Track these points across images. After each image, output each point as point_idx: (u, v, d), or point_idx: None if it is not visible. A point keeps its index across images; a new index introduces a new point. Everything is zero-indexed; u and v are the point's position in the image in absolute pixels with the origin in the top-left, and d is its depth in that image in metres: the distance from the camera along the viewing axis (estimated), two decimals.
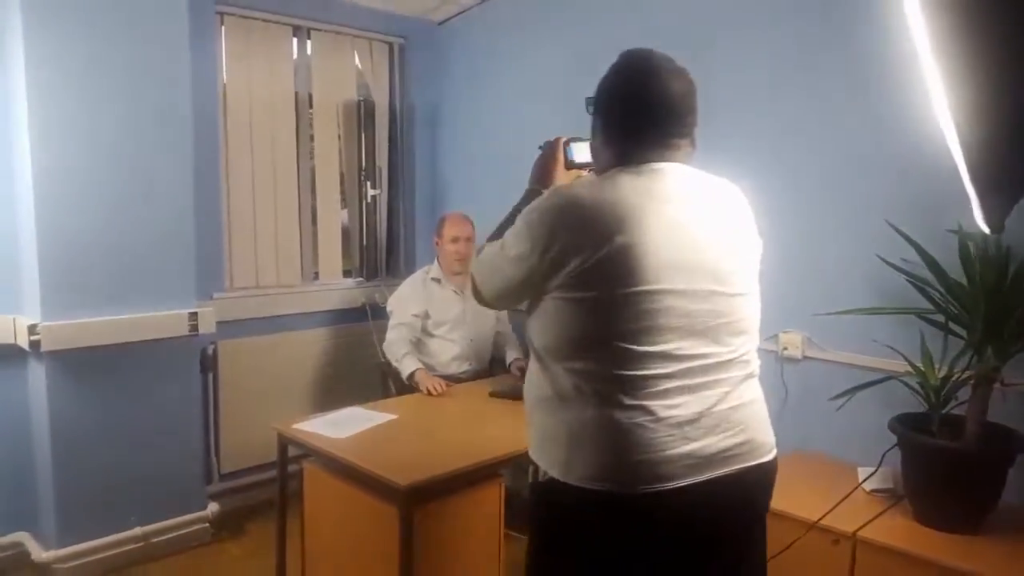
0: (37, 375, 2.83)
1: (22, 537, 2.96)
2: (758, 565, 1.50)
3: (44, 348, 2.73)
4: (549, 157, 1.75)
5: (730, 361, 1.41)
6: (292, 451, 2.55)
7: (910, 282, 2.26)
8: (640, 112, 1.44)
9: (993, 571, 1.92)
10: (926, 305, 2.25)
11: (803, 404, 2.71)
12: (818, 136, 2.64)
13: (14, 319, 2.83)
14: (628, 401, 1.32)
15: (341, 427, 2.50)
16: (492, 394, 2.93)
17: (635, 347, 1.32)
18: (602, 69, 1.52)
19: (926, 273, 2.22)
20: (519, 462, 2.33)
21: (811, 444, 2.68)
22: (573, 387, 1.36)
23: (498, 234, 1.57)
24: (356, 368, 3.80)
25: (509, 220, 1.58)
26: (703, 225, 1.41)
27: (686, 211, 1.40)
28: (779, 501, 2.08)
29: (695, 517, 1.36)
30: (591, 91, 1.53)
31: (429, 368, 3.24)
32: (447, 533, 2.25)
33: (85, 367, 2.84)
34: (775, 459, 1.47)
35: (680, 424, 1.33)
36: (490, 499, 2.36)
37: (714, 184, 1.49)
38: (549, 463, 1.41)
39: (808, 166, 2.67)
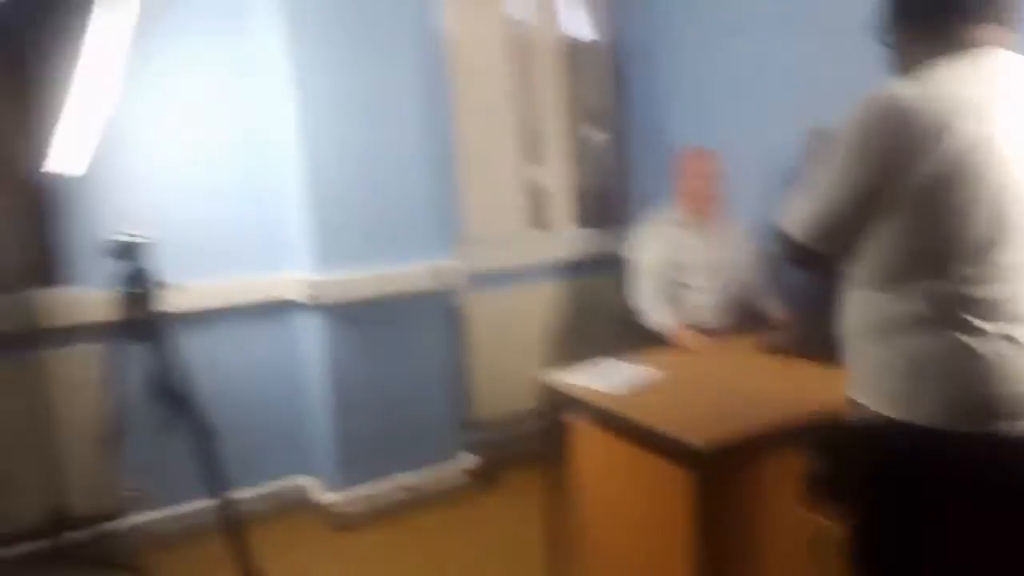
0: (312, 328, 2.96)
1: (303, 480, 3.15)
2: None
3: (319, 301, 2.84)
4: None
5: None
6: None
7: None
8: None
9: None
10: None
11: None
12: None
13: (284, 275, 2.97)
14: (983, 325, 1.17)
15: (609, 380, 2.37)
16: (768, 349, 2.67)
17: (989, 262, 1.17)
18: None
19: None
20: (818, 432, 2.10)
21: None
22: (914, 312, 1.21)
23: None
24: (594, 320, 3.69)
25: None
26: None
27: (1021, 97, 1.21)
28: None
29: None
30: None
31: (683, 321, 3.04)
32: (742, 504, 2.05)
33: (353, 319, 2.95)
34: None
35: None
36: (787, 468, 2.14)
37: None
38: (884, 402, 1.26)
39: None
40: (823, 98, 3.17)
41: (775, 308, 3.09)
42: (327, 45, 2.81)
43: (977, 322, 1.17)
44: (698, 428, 1.97)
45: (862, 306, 1.32)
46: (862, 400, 1.31)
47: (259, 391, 3.04)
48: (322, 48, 2.80)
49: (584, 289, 3.76)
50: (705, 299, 3.07)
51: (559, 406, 2.49)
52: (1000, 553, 1.23)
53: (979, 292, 1.17)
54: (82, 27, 2.28)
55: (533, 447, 3.48)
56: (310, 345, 3.00)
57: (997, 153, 1.16)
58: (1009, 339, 1.17)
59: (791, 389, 2.27)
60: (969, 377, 1.18)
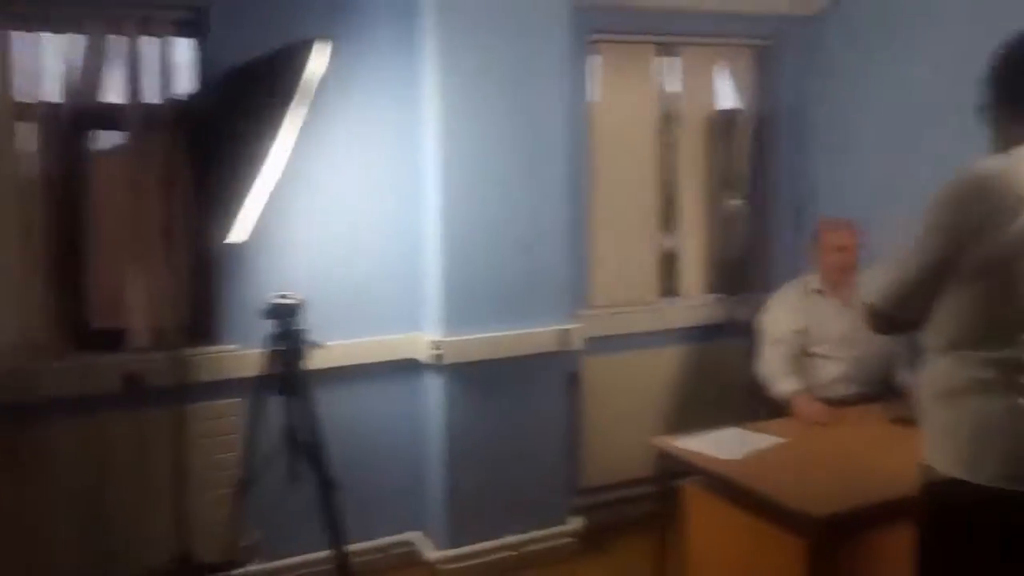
0: (435, 387, 3.11)
1: (414, 536, 3.24)
2: None
3: (445, 361, 3.00)
4: None
5: None
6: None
7: None
8: None
9: None
10: None
11: None
12: None
13: (415, 335, 3.15)
14: None
15: (727, 447, 2.35)
16: (894, 420, 2.55)
17: None
18: None
19: None
20: None
21: None
22: (980, 377, 1.29)
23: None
24: (717, 387, 3.62)
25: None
26: None
27: None
28: None
29: None
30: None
31: (808, 389, 2.94)
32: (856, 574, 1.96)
33: (475, 380, 3.07)
34: None
35: None
36: (906, 541, 2.01)
37: None
38: (949, 462, 1.33)
39: None
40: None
41: (907, 378, 2.92)
42: (473, 116, 3.00)
43: None
44: (815, 497, 1.94)
45: (933, 371, 1.40)
46: (932, 462, 1.37)
47: (382, 448, 3.17)
48: (468, 119, 3.00)
49: (711, 356, 3.72)
50: (837, 369, 2.98)
51: (674, 472, 2.48)
52: None
53: None
54: (265, 115, 2.59)
55: (643, 513, 3.43)
56: (432, 404, 3.14)
57: None
58: None
59: (913, 460, 2.14)
60: None
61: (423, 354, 3.09)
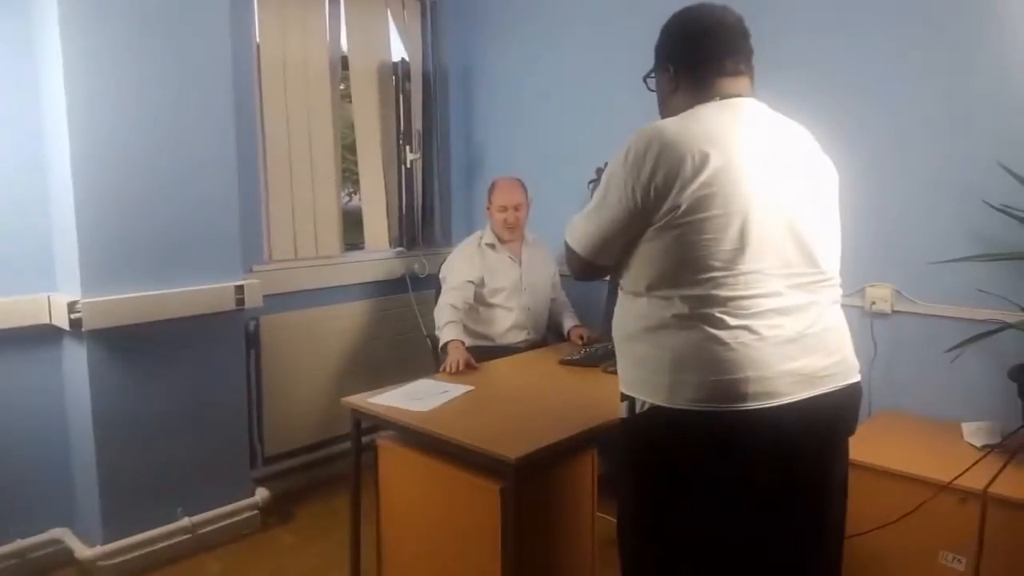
0: (76, 357, 2.62)
1: (62, 533, 2.75)
2: (843, 485, 1.54)
3: (86, 327, 2.51)
4: None
5: (820, 283, 1.45)
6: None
7: None
8: (705, 42, 1.50)
9: None
10: None
11: (894, 361, 2.60)
12: (918, 69, 2.50)
13: (48, 297, 2.61)
14: (732, 322, 1.35)
15: (418, 400, 2.34)
16: (563, 362, 2.79)
17: (735, 270, 1.35)
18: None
19: None
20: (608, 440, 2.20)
21: (904, 402, 2.59)
22: (675, 315, 1.38)
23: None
24: (401, 340, 3.64)
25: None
26: (785, 150, 1.46)
27: (768, 136, 1.45)
28: (889, 460, 2.19)
29: (797, 434, 1.38)
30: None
31: (486, 338, 3.10)
32: (543, 508, 2.11)
33: (127, 346, 2.64)
34: (860, 381, 1.52)
35: (783, 342, 1.37)
36: (583, 471, 2.23)
37: (782, 117, 1.53)
38: (651, 391, 1.41)
39: (903, 104, 2.54)
40: (613, 138, 3.48)
41: (575, 323, 3.23)
42: (102, 37, 2.52)
43: (724, 318, 1.35)
44: (505, 440, 2.00)
45: (632, 311, 1.48)
46: (633, 394, 1.46)
47: (12, 432, 2.62)
48: (105, 44, 2.51)
49: (398, 309, 3.71)
50: (511, 318, 3.16)
51: (367, 428, 2.42)
52: (755, 511, 1.42)
53: (725, 293, 1.35)
54: None
55: (334, 474, 3.36)
56: (76, 377, 2.65)
57: (744, 182, 1.36)
58: (749, 330, 1.35)
59: (587, 397, 2.37)
60: (718, 363, 1.35)
61: (61, 319, 2.57)
